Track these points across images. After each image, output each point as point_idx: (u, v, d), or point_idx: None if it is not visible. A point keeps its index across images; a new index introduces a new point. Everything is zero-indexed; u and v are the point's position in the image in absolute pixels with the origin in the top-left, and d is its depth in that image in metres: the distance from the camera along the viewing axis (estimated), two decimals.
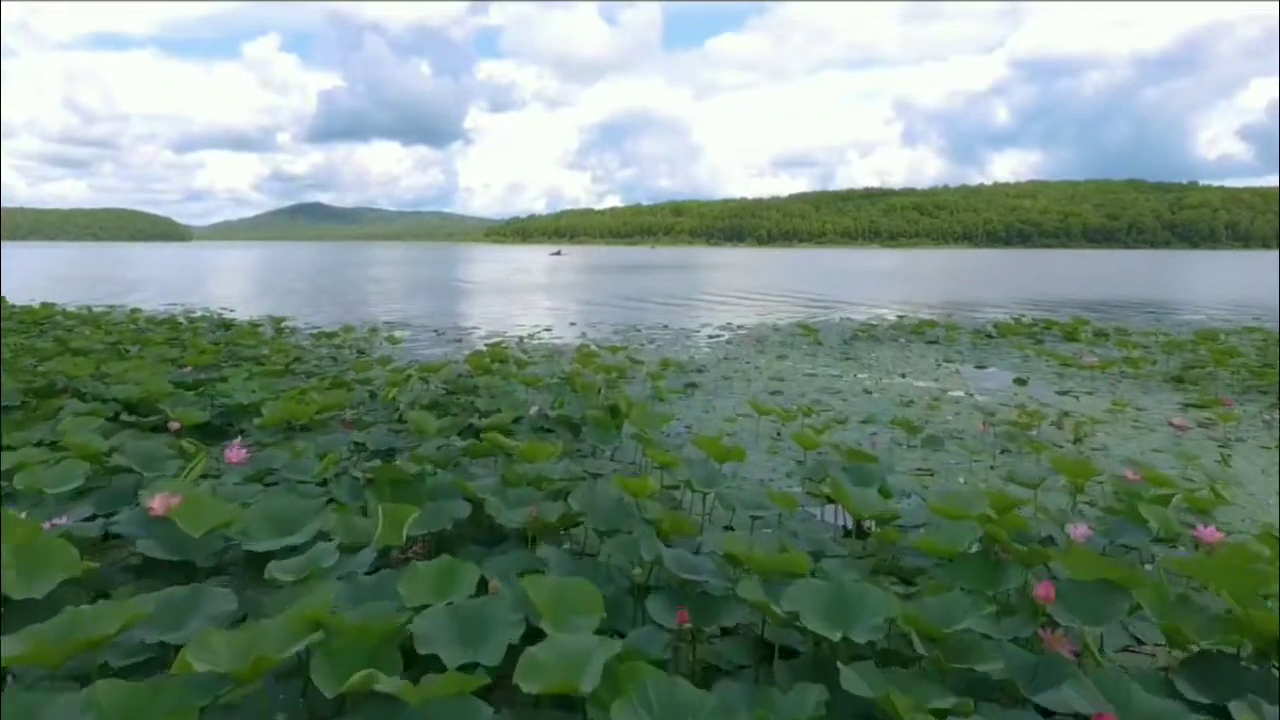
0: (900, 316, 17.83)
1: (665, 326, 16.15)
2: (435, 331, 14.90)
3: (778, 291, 29.54)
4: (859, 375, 9.91)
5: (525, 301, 24.38)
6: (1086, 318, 16.85)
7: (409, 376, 7.35)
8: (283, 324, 14.53)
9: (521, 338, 13.94)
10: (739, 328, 15.91)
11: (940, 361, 11.19)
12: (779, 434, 6.59)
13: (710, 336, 14.27)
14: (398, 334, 14.06)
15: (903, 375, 9.96)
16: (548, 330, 15.26)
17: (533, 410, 6.11)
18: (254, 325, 14.41)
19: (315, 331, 13.44)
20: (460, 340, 13.43)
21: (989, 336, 14.10)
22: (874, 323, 16.59)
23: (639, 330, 15.31)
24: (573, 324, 16.63)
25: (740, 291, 29.51)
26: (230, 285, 32.47)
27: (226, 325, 13.49)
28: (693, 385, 8.96)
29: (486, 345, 11.67)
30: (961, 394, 8.78)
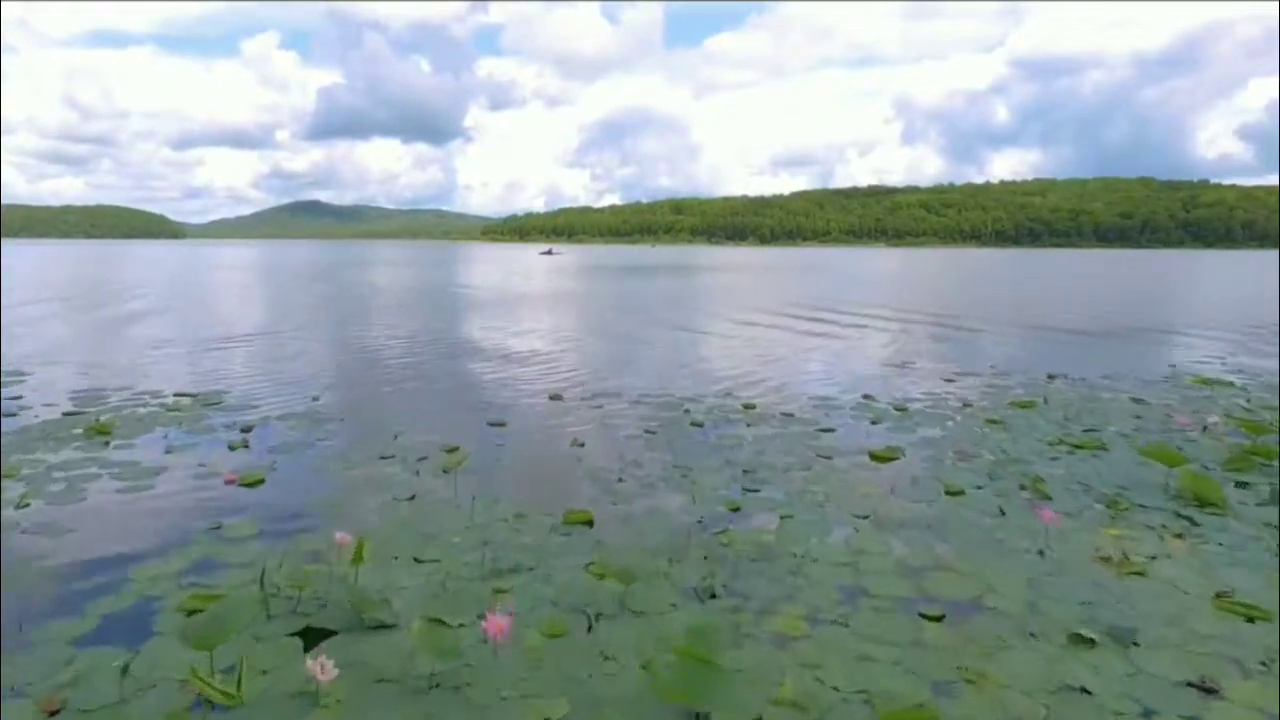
0: (1202, 381, 9.55)
1: (727, 395, 8.01)
2: (296, 422, 6.67)
3: (847, 304, 21.23)
4: None
5: (489, 331, 16.13)
6: None
7: None
8: None
9: (423, 464, 5.74)
10: (900, 410, 7.68)
11: None
12: None
13: (864, 441, 6.04)
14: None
15: None
16: (501, 426, 7.04)
17: None
18: None
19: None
20: (295, 517, 5.19)
21: None
22: (1174, 400, 8.40)
23: (685, 411, 7.19)
24: (555, 398, 8.38)
25: (796, 305, 21.18)
26: (123, 296, 24.19)
27: None
28: None
29: (303, 557, 3.41)
30: None
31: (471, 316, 18.66)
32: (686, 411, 7.49)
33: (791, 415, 7.38)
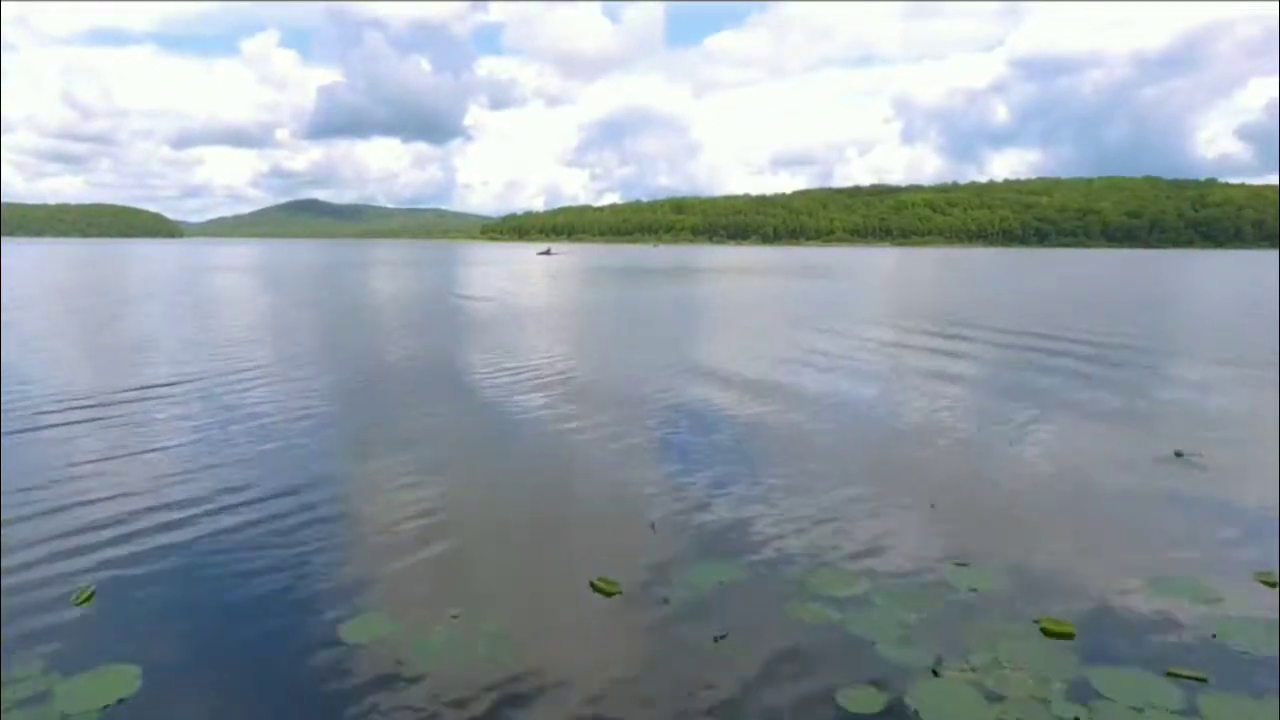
0: None
1: (945, 560, 4.29)
2: None
3: (950, 325, 17.41)
4: None
5: (471, 401, 12.39)
6: None
7: None
8: None
9: None
10: None
11: None
12: None
13: None
14: None
15: None
16: None
17: None
18: None
19: None
20: None
21: None
22: None
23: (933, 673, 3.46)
24: (606, 591, 4.63)
25: (886, 324, 17.33)
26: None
27: None
28: None
29: None
30: None
31: (450, 368, 14.92)
32: (940, 673, 3.73)
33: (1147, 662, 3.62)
